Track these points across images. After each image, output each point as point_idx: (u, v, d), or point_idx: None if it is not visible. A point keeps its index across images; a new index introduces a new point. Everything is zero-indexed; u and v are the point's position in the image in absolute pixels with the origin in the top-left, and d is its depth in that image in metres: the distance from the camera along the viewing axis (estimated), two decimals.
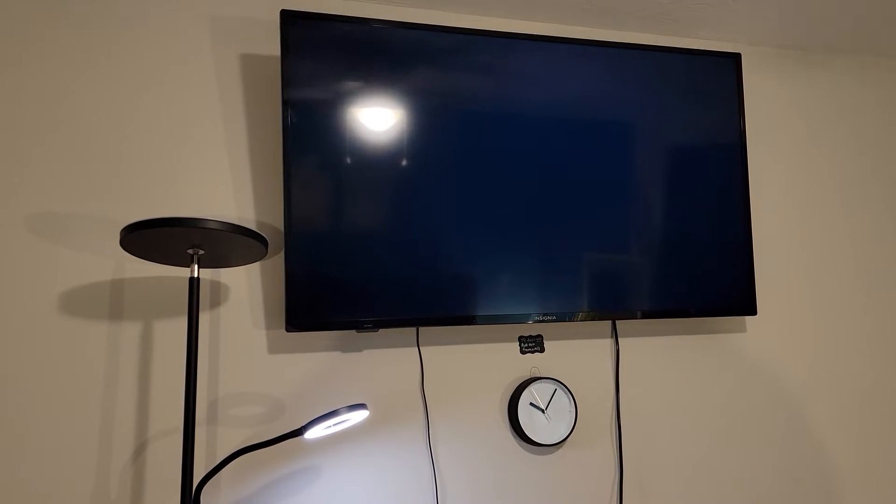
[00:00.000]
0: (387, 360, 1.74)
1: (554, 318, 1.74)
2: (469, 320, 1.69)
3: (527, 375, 1.83)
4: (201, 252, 1.39)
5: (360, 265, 1.63)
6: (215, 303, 1.66)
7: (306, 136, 1.63)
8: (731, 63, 2.00)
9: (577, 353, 1.88)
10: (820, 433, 2.05)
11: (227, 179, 1.71)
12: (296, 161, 1.62)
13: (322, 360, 1.70)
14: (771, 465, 1.99)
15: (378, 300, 1.63)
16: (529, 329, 1.86)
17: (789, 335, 2.09)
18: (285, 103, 1.62)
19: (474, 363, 1.80)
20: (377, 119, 1.69)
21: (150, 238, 1.30)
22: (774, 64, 2.25)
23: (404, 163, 1.70)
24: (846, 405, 2.09)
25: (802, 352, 2.09)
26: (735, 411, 1.98)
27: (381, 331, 1.74)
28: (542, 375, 1.84)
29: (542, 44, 1.84)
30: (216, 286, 1.66)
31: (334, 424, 1.43)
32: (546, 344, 1.87)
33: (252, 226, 1.71)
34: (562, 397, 1.80)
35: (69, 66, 1.65)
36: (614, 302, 1.80)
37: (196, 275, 1.38)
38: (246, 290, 1.68)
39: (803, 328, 2.10)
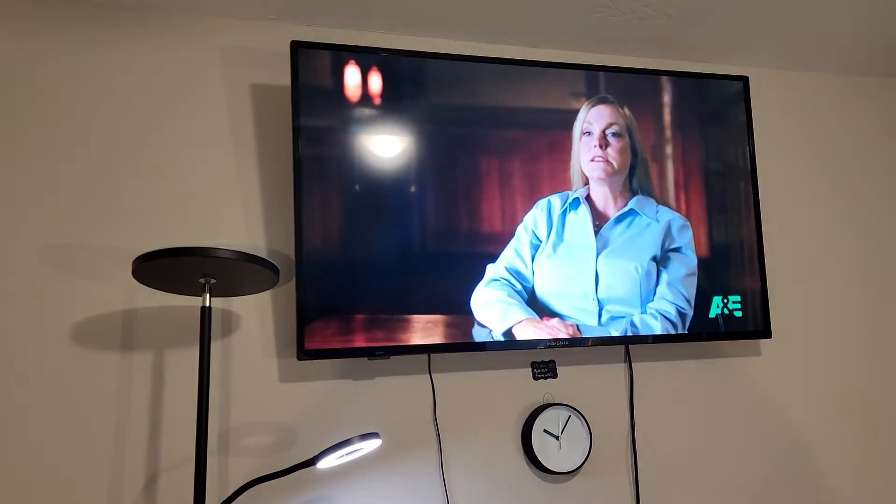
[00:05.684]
0: (399, 388, 1.73)
1: (566, 343, 1.73)
2: (480, 346, 1.68)
3: (540, 402, 1.81)
4: (213, 281, 1.39)
5: (371, 292, 1.63)
6: (226, 332, 1.65)
7: (316, 163, 1.64)
8: (739, 86, 2.00)
9: (591, 379, 1.86)
10: (839, 458, 2.01)
11: (238, 208, 1.72)
12: (306, 189, 1.63)
13: (333, 388, 1.69)
14: (789, 490, 1.95)
15: (389, 327, 1.63)
16: (542, 355, 1.84)
17: (805, 358, 2.06)
18: (296, 131, 1.64)
19: (487, 390, 1.78)
20: (386, 146, 1.70)
21: (162, 268, 1.30)
22: (783, 86, 2.25)
23: (413, 189, 1.70)
24: (866, 428, 2.05)
25: (819, 375, 2.06)
26: (752, 437, 1.95)
27: (393, 358, 1.73)
28: (556, 402, 1.81)
29: (551, 70, 1.85)
30: (227, 315, 1.66)
31: (347, 454, 1.42)
32: (559, 370, 1.85)
33: (263, 254, 1.71)
34: (576, 424, 1.77)
35: (81, 97, 1.67)
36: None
37: (208, 304, 1.38)
38: (257, 318, 1.68)
39: (820, 351, 2.07)
